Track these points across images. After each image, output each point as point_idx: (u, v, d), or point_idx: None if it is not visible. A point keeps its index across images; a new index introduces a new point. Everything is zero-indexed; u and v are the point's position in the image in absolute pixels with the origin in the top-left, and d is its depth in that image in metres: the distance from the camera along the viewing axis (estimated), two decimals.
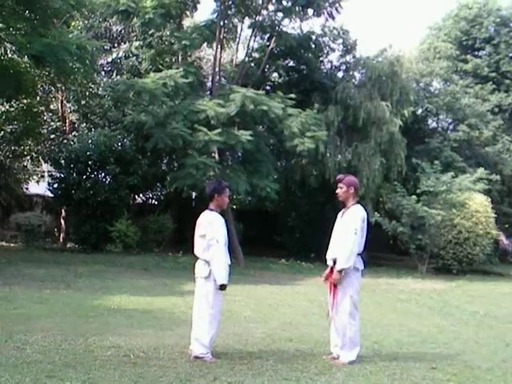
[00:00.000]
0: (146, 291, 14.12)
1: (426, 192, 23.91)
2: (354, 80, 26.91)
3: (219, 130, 20.87)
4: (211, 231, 7.63)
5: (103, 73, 28.71)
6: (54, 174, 24.96)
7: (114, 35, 27.79)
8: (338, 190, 8.26)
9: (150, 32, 25.29)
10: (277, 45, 26.10)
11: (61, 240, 25.73)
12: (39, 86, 25.28)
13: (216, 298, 7.64)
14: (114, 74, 27.72)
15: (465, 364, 8.09)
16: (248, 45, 26.01)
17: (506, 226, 30.57)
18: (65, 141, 25.56)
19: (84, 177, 23.08)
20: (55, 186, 24.04)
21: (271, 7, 25.36)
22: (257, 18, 25.20)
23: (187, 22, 26.06)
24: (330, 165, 24.02)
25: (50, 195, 25.85)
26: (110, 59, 28.37)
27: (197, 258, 7.84)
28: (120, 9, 22.94)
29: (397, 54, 26.19)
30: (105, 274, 17.01)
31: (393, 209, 24.48)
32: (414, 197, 23.81)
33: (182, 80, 21.86)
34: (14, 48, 21.12)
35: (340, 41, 27.92)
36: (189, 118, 21.56)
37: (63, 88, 25.62)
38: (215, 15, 24.27)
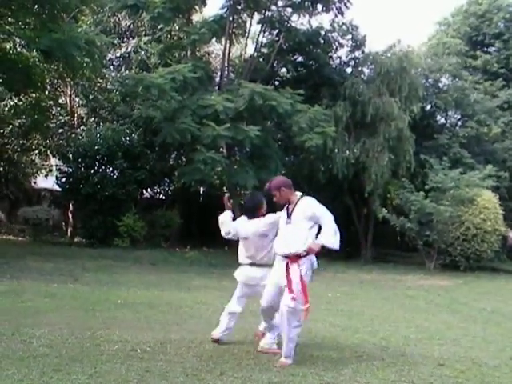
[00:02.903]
0: (154, 286, 14.15)
1: (434, 188, 23.83)
2: (362, 76, 26.85)
3: (227, 125, 20.83)
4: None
5: (112, 67, 28.74)
6: (61, 168, 25.04)
7: (123, 30, 27.74)
8: (275, 198, 7.82)
9: (159, 27, 25.29)
10: (286, 40, 26.10)
11: (68, 234, 25.79)
12: (48, 81, 25.27)
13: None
14: (123, 69, 27.74)
15: (472, 361, 8.07)
16: (257, 40, 26.00)
17: None
18: (73, 135, 25.60)
19: (92, 171, 23.15)
20: (63, 180, 24.12)
21: (280, 3, 25.37)
22: (266, 14, 25.20)
23: (196, 17, 26.04)
24: (338, 160, 23.96)
25: (58, 189, 25.95)
26: (118, 54, 28.35)
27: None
28: (129, 3, 22.96)
29: (405, 49, 26.09)
30: (112, 268, 17.08)
31: (401, 205, 24.41)
32: (422, 193, 23.74)
33: (190, 75, 21.80)
34: (22, 42, 21.19)
35: (349, 36, 27.83)
36: (197, 113, 21.54)
37: (72, 82, 25.64)
38: (224, 10, 24.21)
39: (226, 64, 24.88)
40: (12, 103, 25.42)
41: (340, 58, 28.65)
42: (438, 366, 7.65)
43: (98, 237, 22.80)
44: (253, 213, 8.03)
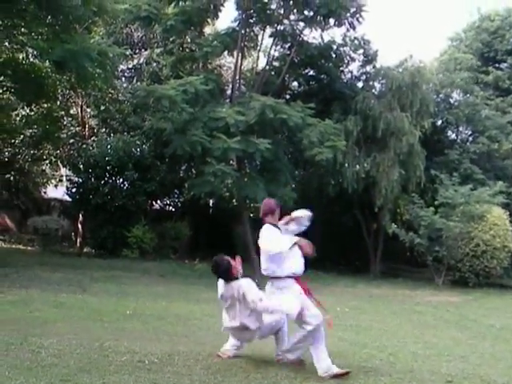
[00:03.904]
0: (162, 297, 14.14)
1: (444, 204, 23.79)
2: (374, 90, 26.89)
3: (238, 138, 20.82)
4: None
5: (124, 78, 28.84)
6: (72, 178, 25.13)
7: (135, 41, 27.83)
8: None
9: (171, 39, 25.34)
10: (297, 54, 26.11)
11: (78, 244, 25.76)
12: (59, 91, 25.36)
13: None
14: (135, 80, 27.83)
15: (481, 378, 8.02)
16: (269, 53, 26.03)
17: None
18: (84, 146, 25.60)
19: (102, 182, 23.22)
20: (73, 190, 24.21)
21: (293, 17, 25.36)
22: (278, 27, 25.19)
23: (208, 30, 26.15)
24: (348, 175, 23.95)
25: (68, 199, 26.00)
26: (130, 65, 28.49)
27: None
28: (142, 15, 23.06)
29: (417, 64, 26.08)
30: (121, 279, 17.07)
31: (410, 220, 24.41)
32: (431, 208, 23.72)
33: (202, 87, 21.81)
34: (35, 53, 21.29)
35: (361, 51, 27.82)
36: (208, 126, 21.53)
37: (83, 93, 25.70)
38: (237, 23, 24.28)
39: (237, 77, 24.89)
40: (24, 113, 25.55)
41: (351, 72, 28.71)
42: (446, 382, 7.61)
43: (107, 247, 22.84)
44: (227, 275, 7.82)
